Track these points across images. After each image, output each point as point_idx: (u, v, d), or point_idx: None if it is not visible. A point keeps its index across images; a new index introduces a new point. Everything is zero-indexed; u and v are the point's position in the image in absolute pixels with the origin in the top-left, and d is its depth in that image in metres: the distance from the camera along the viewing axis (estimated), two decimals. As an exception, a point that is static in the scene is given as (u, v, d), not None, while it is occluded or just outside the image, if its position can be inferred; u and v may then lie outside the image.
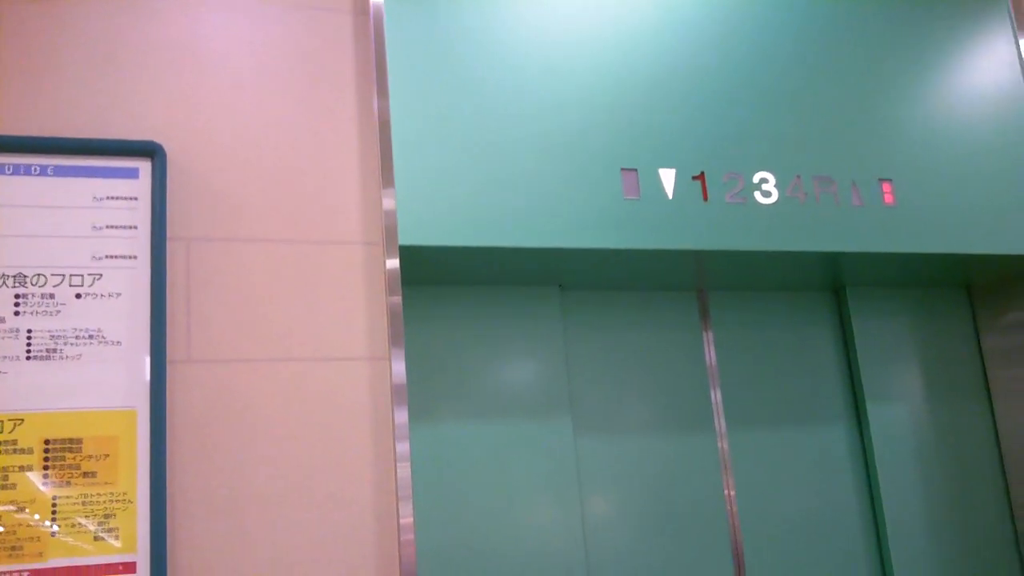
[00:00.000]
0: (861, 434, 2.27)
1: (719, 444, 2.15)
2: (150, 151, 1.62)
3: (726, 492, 2.12)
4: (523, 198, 1.82)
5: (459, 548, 1.89)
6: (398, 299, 1.70)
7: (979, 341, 2.42)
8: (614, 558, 2.00)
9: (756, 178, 1.99)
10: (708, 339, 2.21)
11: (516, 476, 1.95)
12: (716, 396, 2.18)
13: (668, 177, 1.94)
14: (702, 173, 1.96)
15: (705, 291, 2.24)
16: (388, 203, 1.73)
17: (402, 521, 1.60)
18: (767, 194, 1.99)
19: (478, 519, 1.91)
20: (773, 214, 1.98)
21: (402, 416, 1.65)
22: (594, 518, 2.00)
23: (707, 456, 2.13)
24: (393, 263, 1.71)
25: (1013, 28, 2.32)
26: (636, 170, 1.92)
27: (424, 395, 1.94)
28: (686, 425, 2.14)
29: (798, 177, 2.02)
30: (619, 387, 2.12)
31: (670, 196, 1.92)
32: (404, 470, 1.63)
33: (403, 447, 1.64)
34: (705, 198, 1.95)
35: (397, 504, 1.61)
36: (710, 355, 2.20)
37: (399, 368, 1.67)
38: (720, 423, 2.16)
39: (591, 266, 1.98)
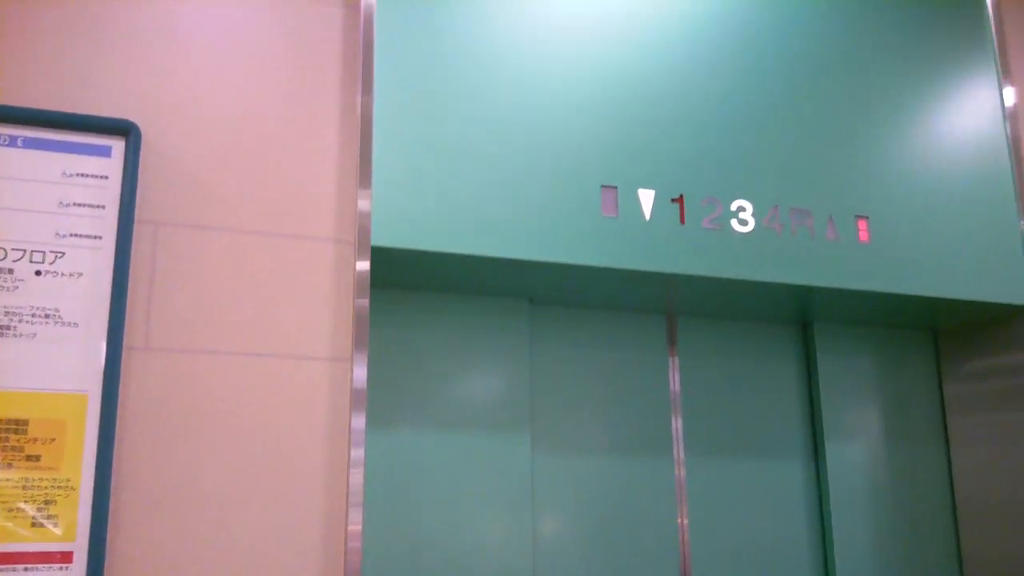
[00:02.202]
0: (817, 470, 2.27)
1: (676, 471, 2.14)
2: (125, 130, 1.58)
3: (679, 520, 2.11)
4: (500, 208, 1.80)
5: (408, 558, 1.86)
6: (365, 302, 1.68)
7: (941, 386, 2.43)
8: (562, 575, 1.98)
9: (734, 205, 1.98)
10: (674, 364, 2.20)
11: (470, 489, 1.93)
12: (677, 422, 2.17)
13: (647, 198, 1.93)
14: (681, 196, 1.95)
15: (674, 316, 2.23)
16: (364, 204, 1.71)
17: (350, 528, 1.58)
18: (744, 222, 1.98)
19: (429, 530, 1.88)
20: (748, 243, 1.97)
21: (359, 421, 1.62)
22: (545, 536, 1.98)
23: (663, 482, 2.12)
24: (363, 265, 1.69)
25: (998, 75, 2.33)
26: (616, 188, 1.90)
27: (384, 400, 1.91)
28: (645, 449, 2.12)
29: (776, 208, 2.01)
30: (581, 406, 2.10)
31: (647, 217, 1.91)
32: (357, 476, 1.60)
33: (358, 453, 1.61)
34: (682, 221, 1.94)
35: (347, 510, 1.58)
36: (674, 380, 2.19)
37: (360, 373, 1.64)
38: (679, 450, 2.15)
39: (563, 282, 1.96)
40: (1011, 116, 2.31)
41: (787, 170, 2.05)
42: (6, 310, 1.46)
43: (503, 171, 1.83)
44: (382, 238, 1.70)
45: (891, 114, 2.18)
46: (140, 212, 1.58)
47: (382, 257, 1.74)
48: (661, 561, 2.07)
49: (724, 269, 1.95)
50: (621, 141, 1.93)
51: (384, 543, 1.84)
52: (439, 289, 1.99)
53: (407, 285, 1.94)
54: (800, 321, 2.34)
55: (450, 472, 1.93)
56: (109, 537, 1.43)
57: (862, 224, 2.08)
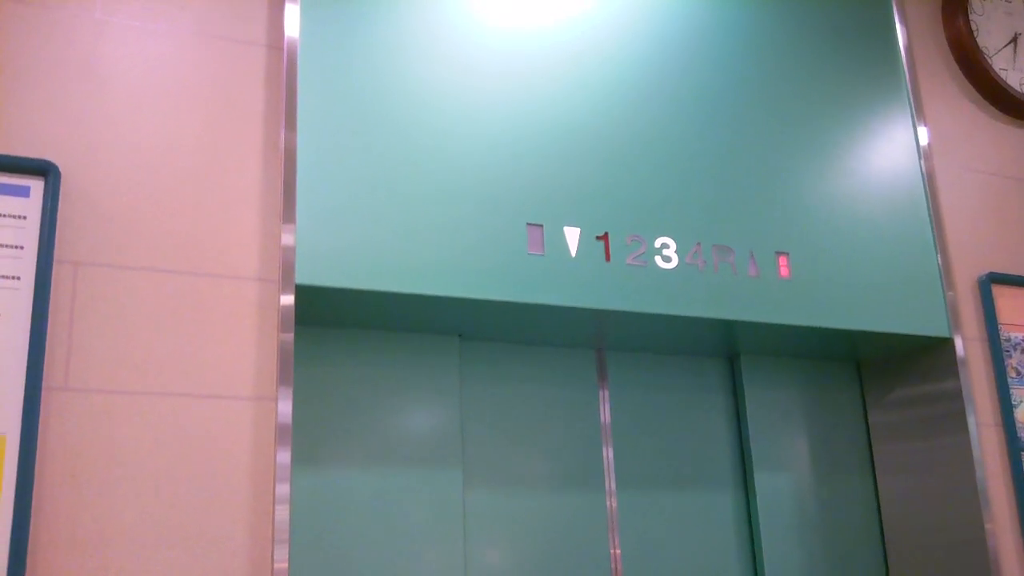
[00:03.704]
0: (748, 501, 2.31)
1: (608, 502, 2.15)
2: (43, 170, 1.58)
3: (612, 551, 2.12)
4: (427, 245, 1.82)
5: (337, 596, 1.85)
6: (290, 336, 1.68)
7: (866, 415, 2.49)
8: (495, 613, 1.98)
9: (658, 243, 2.03)
10: (604, 397, 2.23)
11: (401, 525, 1.93)
12: (608, 454, 2.19)
13: (573, 235, 1.96)
14: (606, 234, 1.99)
15: (604, 350, 2.27)
16: (287, 239, 1.72)
17: (277, 566, 1.57)
18: (667, 259, 2.03)
19: (359, 567, 1.87)
20: (672, 279, 2.02)
21: (284, 457, 1.62)
22: (478, 571, 1.98)
23: (595, 514, 2.14)
24: (288, 299, 1.69)
25: (912, 115, 2.42)
26: (542, 226, 1.94)
27: (311, 438, 1.90)
28: (577, 482, 2.14)
29: (698, 244, 2.06)
30: (512, 441, 2.12)
31: (573, 254, 1.95)
32: (282, 512, 1.59)
33: (283, 489, 1.60)
34: (607, 259, 1.98)
35: (273, 548, 1.57)
36: (605, 413, 2.22)
37: (285, 408, 1.64)
38: (610, 482, 2.17)
39: (492, 318, 1.98)
40: (925, 154, 2.40)
41: (709, 207, 2.10)
42: (-79, 351, 1.44)
43: (429, 208, 1.85)
44: (306, 276, 1.71)
45: (810, 152, 2.25)
46: (59, 252, 1.57)
47: (307, 294, 1.75)
48: (593, 595, 2.08)
49: (650, 304, 1.99)
50: (546, 179, 1.97)
51: (312, 582, 1.82)
52: (367, 326, 2.00)
53: (334, 322, 1.95)
54: (727, 354, 2.39)
55: (380, 508, 1.92)
56: (26, 578, 1.41)
57: (783, 260, 2.13)
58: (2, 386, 1.46)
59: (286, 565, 1.58)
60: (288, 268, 1.70)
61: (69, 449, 1.50)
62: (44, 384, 1.50)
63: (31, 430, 1.45)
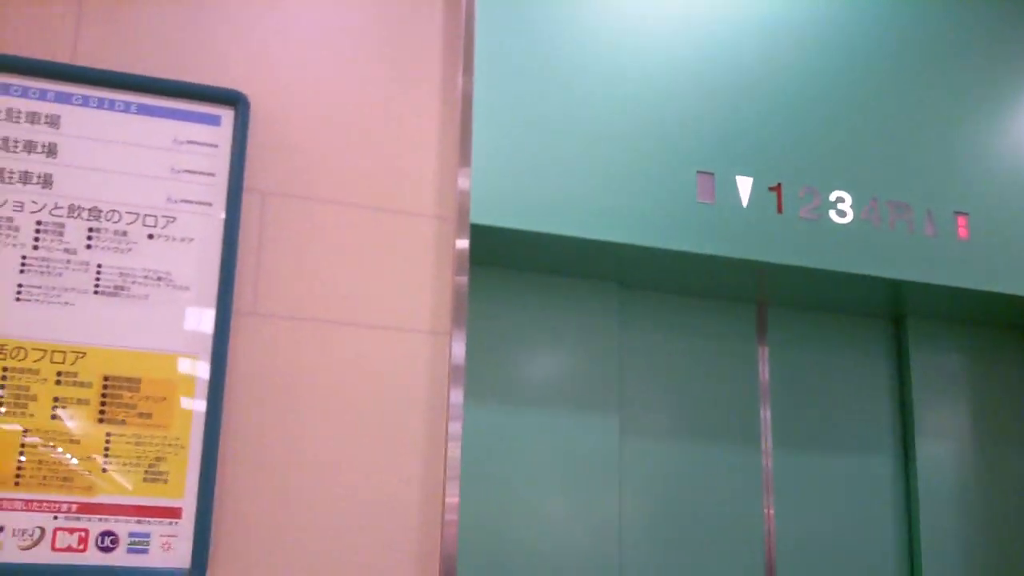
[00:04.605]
0: (907, 467, 2.23)
1: (763, 461, 2.11)
2: (234, 100, 1.60)
3: (765, 510, 2.08)
4: (596, 189, 1.80)
5: (493, 531, 1.86)
6: (464, 279, 1.69)
7: (1034, 387, 2.37)
8: (646, 561, 1.97)
9: (833, 196, 1.97)
10: (763, 354, 2.18)
11: (557, 468, 1.92)
12: (765, 413, 2.14)
13: (745, 185, 1.91)
14: (779, 184, 1.93)
15: (765, 305, 2.21)
16: (463, 182, 1.72)
17: (448, 500, 1.59)
18: (842, 213, 1.96)
19: (515, 506, 1.88)
20: (846, 235, 1.95)
21: (457, 396, 1.63)
22: (631, 519, 1.97)
23: (750, 472, 2.09)
24: (463, 243, 1.70)
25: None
26: (713, 174, 1.89)
27: (475, 374, 1.91)
28: (733, 438, 2.10)
29: (874, 200, 1.99)
30: (669, 392, 2.08)
31: (744, 204, 1.90)
32: (455, 449, 1.61)
33: (455, 427, 1.62)
34: (779, 210, 1.92)
35: (445, 482, 1.59)
36: (764, 371, 2.17)
37: (459, 349, 1.65)
38: (767, 441, 2.13)
39: (655, 267, 1.95)
40: (1118, 113, 2.25)
41: (887, 162, 2.02)
42: (120, 271, 1.49)
43: (601, 153, 1.83)
44: (480, 216, 1.72)
45: (994, 109, 2.14)
46: (248, 181, 1.60)
47: (480, 235, 1.74)
48: (746, 550, 2.04)
49: (820, 260, 1.93)
50: (720, 127, 1.92)
51: (471, 515, 1.83)
52: (532, 269, 1.99)
53: (503, 263, 1.94)
54: (893, 316, 2.30)
55: (537, 450, 1.92)
56: (216, 496, 1.45)
57: (961, 220, 2.04)
58: (195, 308, 1.51)
59: (457, 500, 1.60)
60: (463, 209, 1.70)
61: (256, 372, 1.54)
62: (234, 308, 1.54)
63: (221, 352, 1.49)
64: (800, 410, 2.18)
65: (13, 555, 1.34)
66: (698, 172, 1.89)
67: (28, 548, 1.35)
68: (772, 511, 2.09)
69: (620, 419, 2.00)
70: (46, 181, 1.49)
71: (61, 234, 1.47)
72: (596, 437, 1.96)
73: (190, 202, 1.55)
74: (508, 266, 1.97)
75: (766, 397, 2.15)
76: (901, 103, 2.06)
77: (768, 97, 1.97)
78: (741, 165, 1.92)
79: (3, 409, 1.39)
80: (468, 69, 1.78)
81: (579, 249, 1.85)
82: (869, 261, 1.96)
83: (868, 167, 2.00)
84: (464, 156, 1.74)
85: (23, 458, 1.38)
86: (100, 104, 1.54)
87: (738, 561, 2.03)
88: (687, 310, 2.14)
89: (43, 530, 1.36)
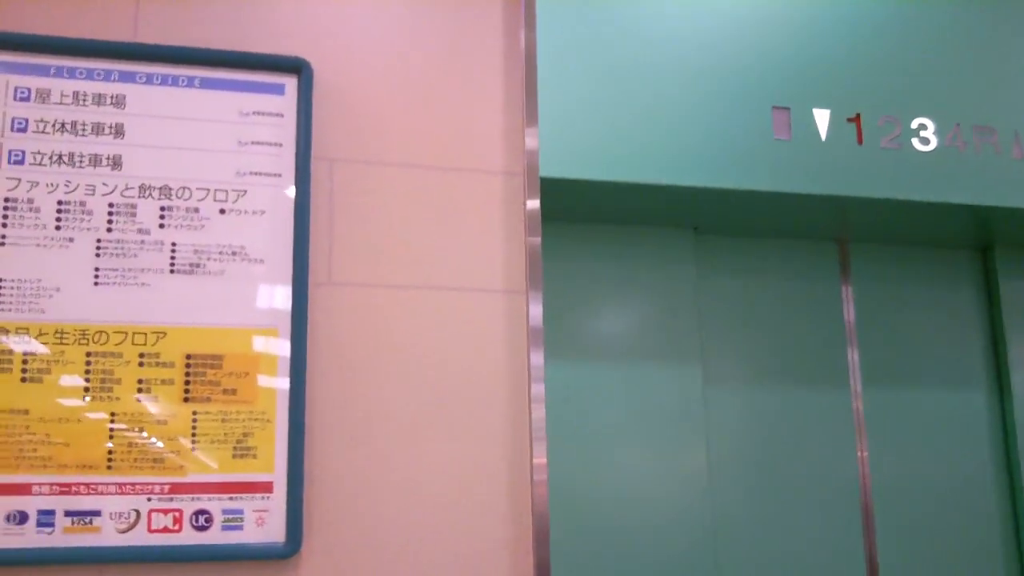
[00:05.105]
0: (1001, 400, 2.15)
1: (853, 403, 2.05)
2: (297, 67, 1.57)
3: (858, 453, 2.03)
4: (666, 134, 1.75)
5: (583, 490, 1.84)
6: (538, 240, 1.65)
7: None
8: (739, 511, 1.93)
9: (914, 123, 1.89)
10: (847, 293, 2.11)
11: (642, 422, 1.89)
12: (853, 353, 2.08)
13: (822, 118, 1.84)
14: (858, 115, 1.86)
15: (847, 242, 2.13)
16: (531, 142, 1.68)
17: (536, 461, 1.56)
18: (925, 141, 1.88)
19: (602, 463, 1.86)
20: (930, 163, 1.87)
21: (538, 358, 1.60)
22: (720, 470, 1.93)
23: (840, 415, 2.04)
24: (534, 203, 1.66)
25: None
26: (789, 108, 1.83)
27: (552, 331, 1.87)
28: (820, 381, 2.04)
29: (957, 125, 1.90)
30: (751, 337, 2.03)
31: (823, 138, 1.83)
32: (539, 411, 1.58)
33: (538, 388, 1.59)
34: (860, 142, 1.85)
35: (531, 444, 1.57)
36: (848, 310, 2.10)
37: (536, 310, 1.62)
38: (856, 381, 2.07)
39: (731, 209, 1.89)
40: None
41: (969, 85, 1.93)
42: (195, 248, 1.48)
43: (669, 96, 1.77)
44: (548, 169, 1.67)
45: (1082, 20, 2.03)
46: (316, 149, 1.57)
47: (549, 189, 1.70)
48: (841, 495, 1.99)
49: (905, 190, 1.86)
50: (793, 59, 1.84)
51: (559, 475, 1.81)
52: (604, 220, 1.94)
53: (572, 217, 1.90)
54: (981, 246, 2.21)
55: (621, 404, 1.89)
56: (306, 467, 1.45)
57: (1050, 141, 1.94)
58: (271, 281, 1.49)
59: (544, 460, 1.57)
60: (532, 169, 1.66)
61: (335, 342, 1.52)
62: (309, 279, 1.52)
63: (300, 324, 1.48)
64: (888, 347, 2.11)
65: (112, 538, 1.36)
66: (773, 108, 1.82)
67: (125, 531, 1.36)
68: (866, 453, 2.03)
69: (703, 368, 1.96)
70: (116, 162, 1.48)
71: (134, 215, 1.46)
72: (680, 388, 1.92)
73: (259, 174, 1.53)
74: (580, 220, 1.93)
75: (852, 337, 2.09)
76: (980, 22, 1.96)
77: (842, 25, 1.88)
78: (817, 98, 1.84)
79: (90, 394, 1.39)
80: (530, 23, 1.73)
81: (653, 196, 1.80)
82: (954, 189, 1.88)
83: (950, 91, 1.91)
84: (530, 115, 1.69)
85: (112, 442, 1.39)
86: (164, 81, 1.52)
87: (834, 507, 1.99)
88: (766, 252, 2.08)
89: (138, 513, 1.37)
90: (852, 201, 1.85)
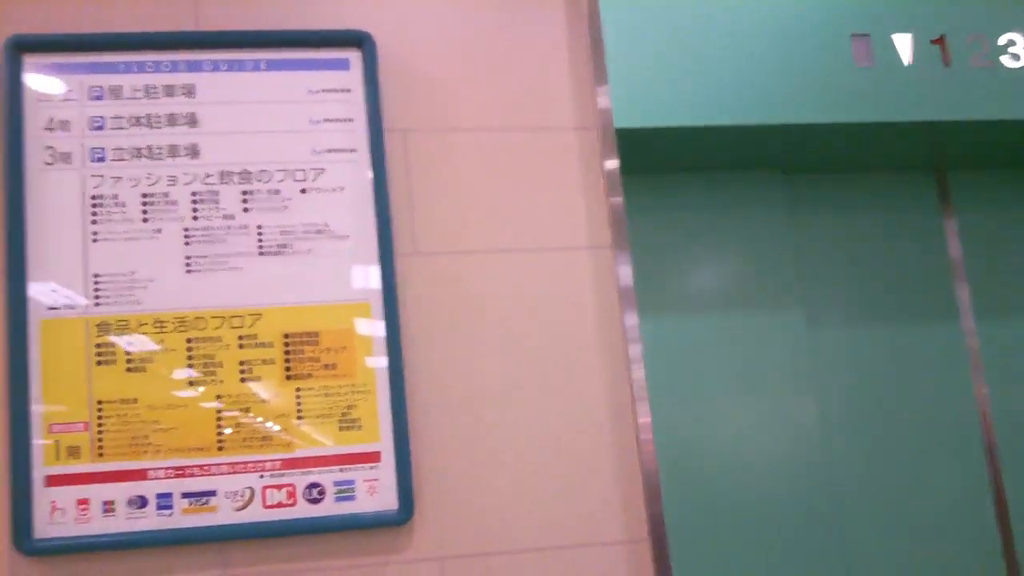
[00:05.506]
0: None
1: (966, 340, 1.96)
2: (359, 40, 1.57)
3: (976, 390, 1.94)
4: (742, 72, 1.70)
5: (691, 446, 1.79)
6: (619, 199, 1.62)
7: None
8: (854, 459, 1.86)
9: (1003, 40, 1.80)
10: (950, 225, 2.02)
11: (747, 373, 1.84)
12: (961, 286, 1.98)
13: (904, 42, 1.77)
14: (942, 36, 1.78)
15: (945, 170, 2.04)
16: (603, 100, 1.65)
17: (640, 420, 1.53)
18: (1016, 57, 1.80)
19: (709, 417, 1.81)
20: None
21: (632, 318, 1.57)
22: (831, 416, 1.87)
23: (954, 352, 1.95)
24: (612, 163, 1.63)
25: None
26: (868, 35, 1.76)
27: (645, 288, 1.83)
28: (929, 319, 1.96)
29: (1050, 36, 1.81)
30: (853, 277, 1.95)
31: (907, 63, 1.76)
32: (638, 371, 1.56)
33: (635, 349, 1.56)
34: (946, 63, 1.77)
35: (633, 404, 1.53)
36: (953, 242, 2.01)
37: (625, 270, 1.59)
38: (967, 316, 1.97)
39: (819, 145, 1.83)
40: None
41: (1057, -8, 1.84)
42: (281, 229, 1.48)
43: (742, 33, 1.72)
44: (624, 120, 1.64)
45: None
46: (387, 121, 1.57)
47: (625, 139, 1.66)
48: (962, 435, 1.91)
49: (999, 110, 1.78)
50: (867, -16, 1.78)
51: (665, 431, 1.77)
52: (686, 169, 1.89)
53: (653, 169, 1.86)
54: (1088, 163, 2.10)
55: (723, 356, 1.84)
56: (411, 434, 1.44)
57: None
58: (357, 256, 1.49)
59: (649, 420, 1.54)
60: (607, 128, 1.63)
61: (426, 312, 1.51)
62: (395, 250, 1.51)
63: (391, 296, 1.48)
64: (998, 278, 2.01)
65: (229, 516, 1.37)
66: (852, 35, 1.75)
67: (242, 508, 1.38)
68: (985, 390, 1.94)
69: (806, 312, 1.89)
70: (193, 151, 1.49)
71: (217, 201, 1.47)
72: (783, 335, 1.86)
73: (335, 151, 1.53)
74: (661, 171, 1.88)
75: (959, 270, 2.00)
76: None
77: (916, -59, 1.81)
78: (897, 22, 1.77)
79: (195, 379, 1.40)
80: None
81: (735, 138, 1.75)
82: (1055, 103, 1.79)
83: (1037, 2, 1.83)
84: (599, 73, 1.66)
85: (221, 424, 1.40)
86: (230, 67, 1.53)
87: (955, 448, 1.91)
88: (860, 187, 2.00)
89: (252, 490, 1.38)
90: (943, 126, 1.78)
